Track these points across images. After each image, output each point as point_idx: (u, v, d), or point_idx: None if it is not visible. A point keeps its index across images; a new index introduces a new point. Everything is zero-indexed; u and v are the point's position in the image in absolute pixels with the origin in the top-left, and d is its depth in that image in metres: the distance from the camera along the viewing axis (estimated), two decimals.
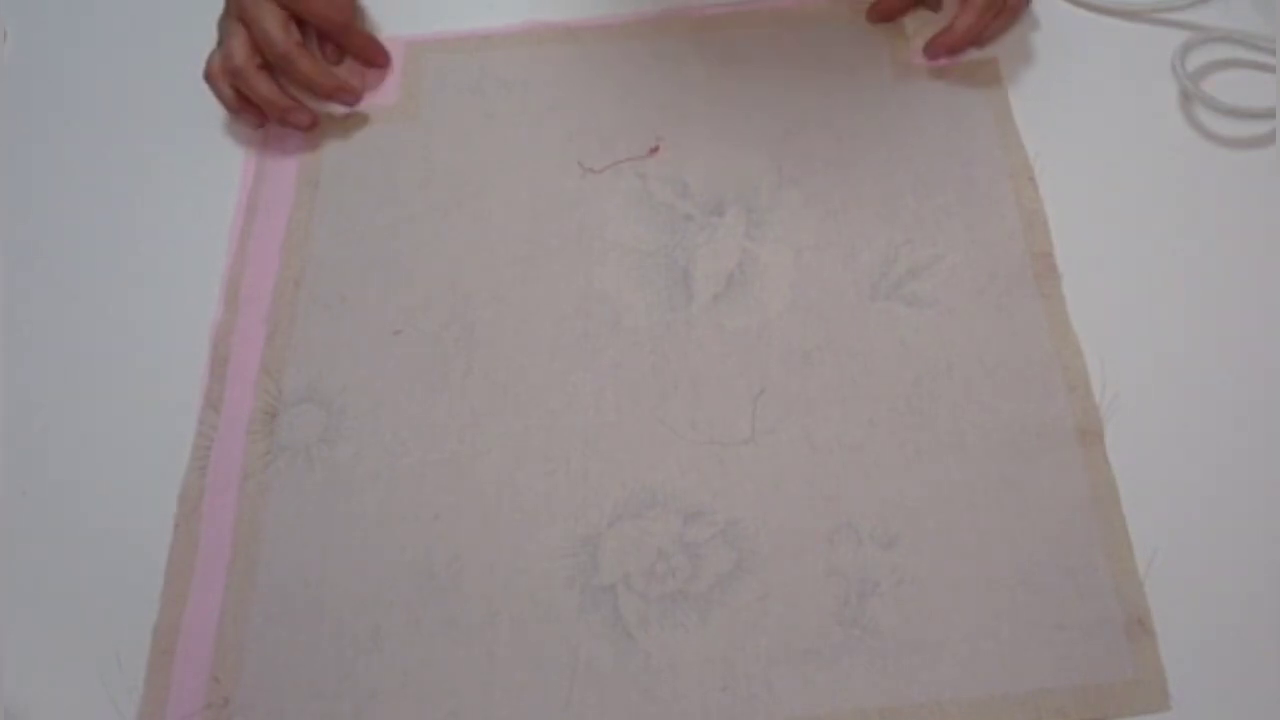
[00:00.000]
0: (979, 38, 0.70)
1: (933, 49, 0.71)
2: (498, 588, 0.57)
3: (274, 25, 0.70)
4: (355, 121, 0.74)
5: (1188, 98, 0.66)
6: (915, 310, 0.63)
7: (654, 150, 0.70)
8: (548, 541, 0.58)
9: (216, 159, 0.73)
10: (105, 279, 0.70)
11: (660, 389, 0.62)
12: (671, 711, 0.54)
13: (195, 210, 0.71)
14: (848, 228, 0.66)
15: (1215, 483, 0.57)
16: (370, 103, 0.74)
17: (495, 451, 0.61)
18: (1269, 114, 0.65)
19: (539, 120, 0.73)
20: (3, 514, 0.63)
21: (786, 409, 0.61)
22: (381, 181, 0.71)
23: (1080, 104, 0.68)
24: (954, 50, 0.71)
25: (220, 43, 0.71)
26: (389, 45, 0.77)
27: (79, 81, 0.79)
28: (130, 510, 0.62)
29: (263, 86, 0.71)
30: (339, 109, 0.74)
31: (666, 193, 0.68)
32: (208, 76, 0.71)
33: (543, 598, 0.57)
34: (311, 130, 0.73)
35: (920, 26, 0.73)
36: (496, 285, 0.66)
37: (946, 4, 0.73)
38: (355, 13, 0.75)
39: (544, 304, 0.65)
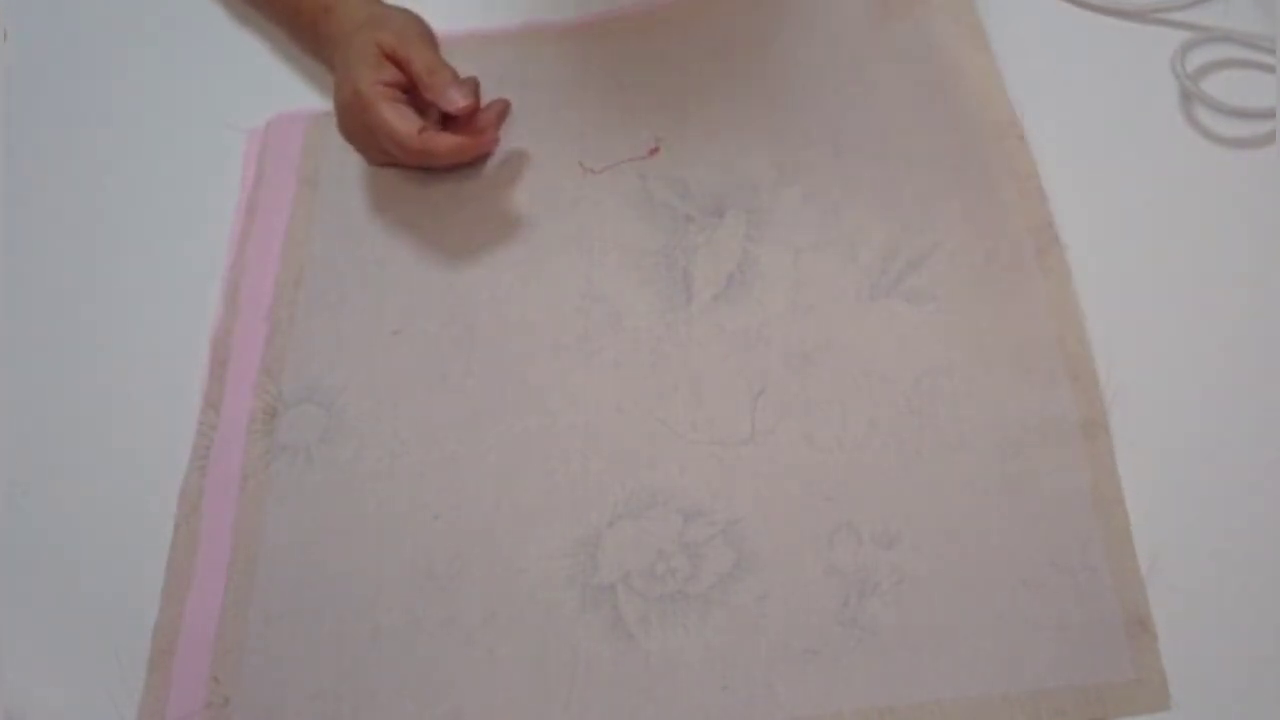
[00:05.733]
0: None
1: None
2: (498, 587, 0.57)
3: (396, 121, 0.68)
4: None
5: (1188, 98, 0.66)
6: (915, 307, 0.62)
7: (653, 151, 0.70)
8: (548, 541, 0.58)
9: (216, 160, 0.73)
10: (105, 279, 0.70)
11: (660, 389, 0.62)
12: (671, 711, 0.53)
13: (195, 211, 0.72)
14: (846, 223, 0.65)
15: (1221, 480, 0.56)
16: None
17: (495, 451, 0.61)
18: (1269, 114, 0.65)
19: (539, 121, 0.72)
20: (2, 514, 0.63)
21: (786, 409, 0.60)
22: (381, 182, 0.71)
23: (1080, 104, 0.67)
24: None
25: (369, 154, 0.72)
26: None
27: (79, 81, 0.79)
28: (130, 510, 0.62)
29: (441, 146, 0.68)
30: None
31: (667, 193, 0.68)
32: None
33: (543, 597, 0.57)
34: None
35: None
36: (496, 285, 0.66)
37: None
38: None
39: (544, 304, 0.65)
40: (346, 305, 0.67)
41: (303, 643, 0.57)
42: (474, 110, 0.69)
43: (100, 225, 0.72)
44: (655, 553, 0.57)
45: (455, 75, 0.68)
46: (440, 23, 0.72)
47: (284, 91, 0.75)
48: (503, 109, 0.71)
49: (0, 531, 0.62)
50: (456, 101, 0.67)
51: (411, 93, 0.69)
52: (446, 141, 0.68)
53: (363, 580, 0.58)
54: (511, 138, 0.72)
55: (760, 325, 0.63)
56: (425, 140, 0.67)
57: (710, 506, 0.58)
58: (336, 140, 0.72)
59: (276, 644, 0.58)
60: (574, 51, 0.75)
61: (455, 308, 0.66)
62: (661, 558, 0.57)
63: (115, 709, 0.57)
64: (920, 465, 0.58)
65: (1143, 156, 0.66)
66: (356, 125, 0.69)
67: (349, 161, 0.72)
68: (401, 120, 0.67)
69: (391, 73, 0.68)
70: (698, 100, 0.72)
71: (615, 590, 0.56)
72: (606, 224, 0.68)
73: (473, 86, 0.70)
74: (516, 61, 0.75)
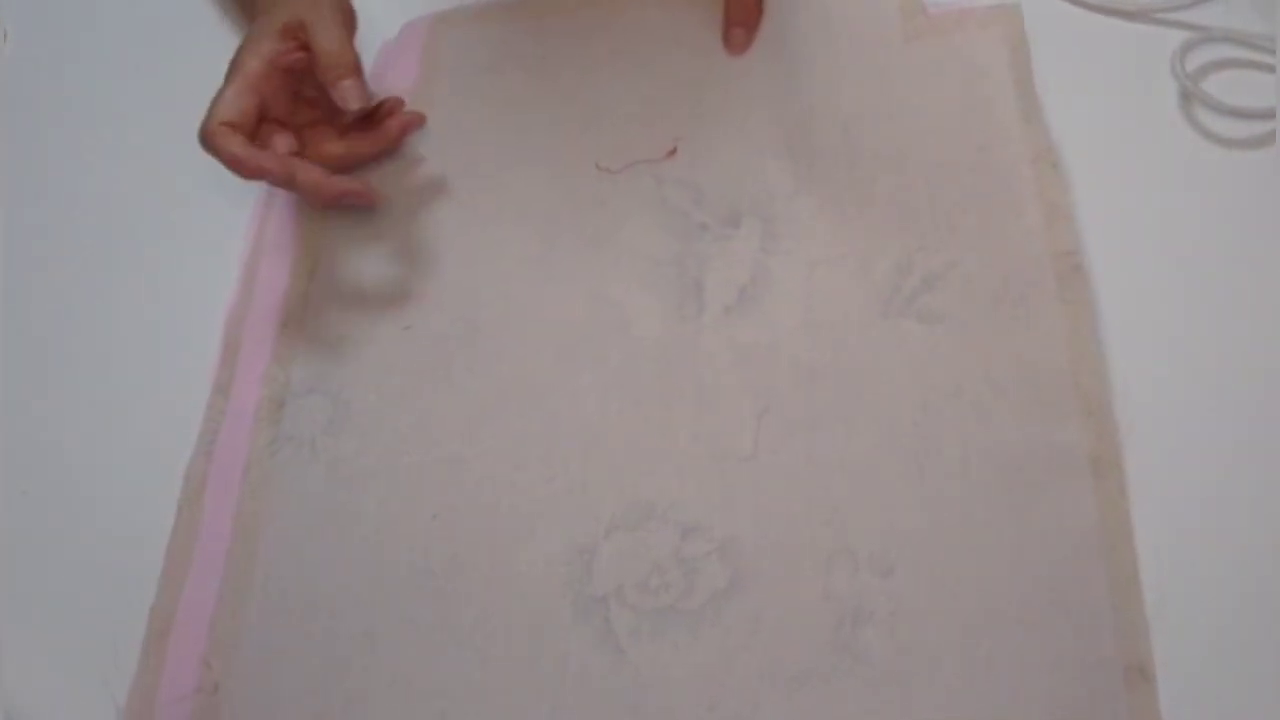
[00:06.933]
0: None
1: None
2: (492, 591, 0.57)
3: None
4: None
5: (1188, 98, 0.66)
6: (927, 327, 0.60)
7: (671, 153, 0.69)
8: (544, 548, 0.58)
9: None
10: (114, 269, 0.71)
11: (664, 400, 0.61)
12: None
13: (210, 200, 0.71)
14: (861, 236, 0.63)
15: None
16: (390, 86, 0.73)
17: (496, 454, 0.61)
18: (1269, 114, 0.64)
19: (556, 107, 0.71)
20: (7, 497, 0.64)
21: (791, 428, 0.59)
22: (398, 172, 0.71)
23: (1079, 104, 0.67)
24: None
25: None
26: (411, 27, 0.76)
27: (80, 80, 0.79)
28: (135, 494, 0.63)
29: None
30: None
31: (683, 199, 0.67)
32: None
33: (536, 604, 0.57)
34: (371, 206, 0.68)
35: None
36: (507, 285, 0.66)
37: None
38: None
39: (553, 307, 0.65)
40: (360, 296, 0.67)
41: (296, 634, 0.58)
42: (367, 115, 0.67)
43: (110, 216, 0.73)
44: (650, 566, 0.57)
45: (358, 67, 0.66)
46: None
47: None
48: (357, 192, 0.68)
49: (4, 513, 0.63)
50: (348, 97, 0.65)
51: (306, 76, 0.67)
52: (225, 143, 0.63)
53: (359, 576, 0.59)
54: (529, 126, 0.71)
55: (770, 340, 0.61)
56: (213, 130, 0.63)
57: (708, 522, 0.57)
58: None
59: (270, 634, 0.58)
60: (592, 20, 0.74)
61: (465, 306, 0.66)
62: (656, 571, 0.56)
63: (109, 692, 0.57)
64: (923, 492, 0.56)
65: (1142, 157, 0.65)
66: None
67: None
68: (227, 101, 0.64)
69: (282, 47, 0.65)
70: (717, 96, 0.70)
71: (608, 602, 0.56)
72: (621, 229, 0.67)
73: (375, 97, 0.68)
74: (535, 34, 0.74)
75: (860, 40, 0.69)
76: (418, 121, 0.71)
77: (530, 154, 0.70)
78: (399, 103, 0.71)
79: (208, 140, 0.63)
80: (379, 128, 0.70)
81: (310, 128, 0.69)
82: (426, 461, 0.61)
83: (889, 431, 0.58)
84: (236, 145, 0.63)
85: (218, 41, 0.78)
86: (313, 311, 0.67)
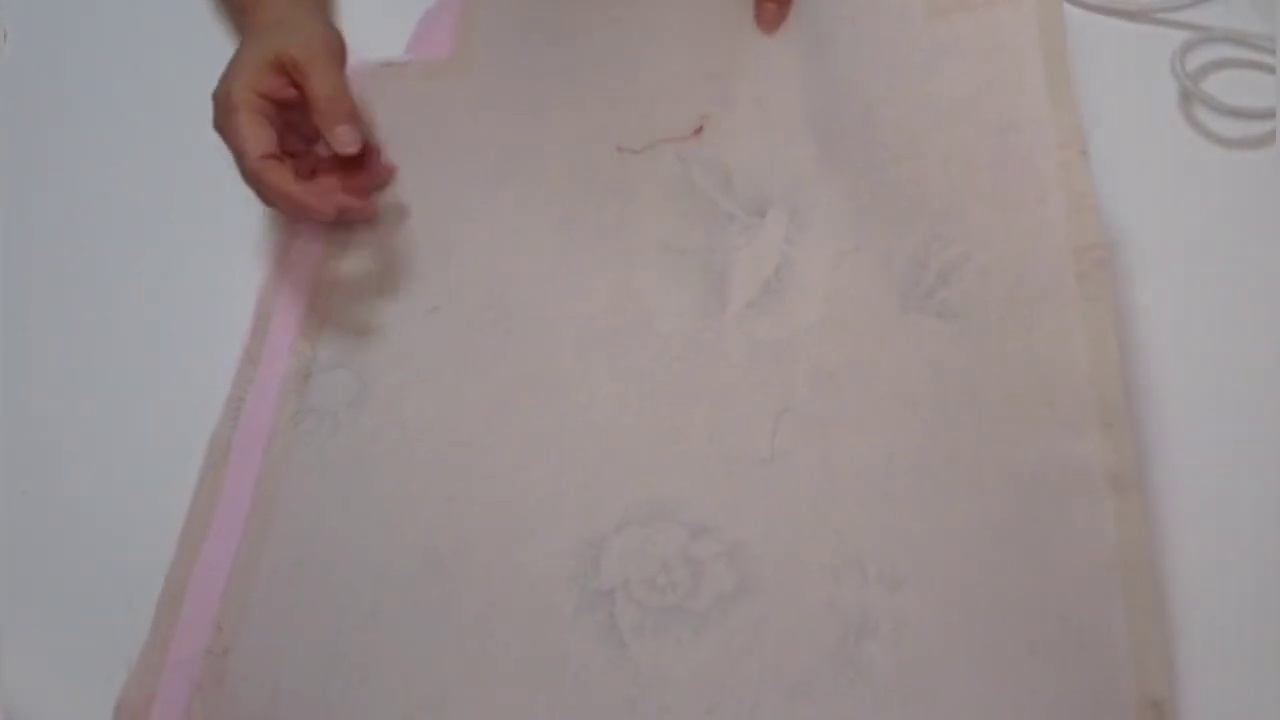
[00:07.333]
0: None
1: None
2: (499, 578, 0.57)
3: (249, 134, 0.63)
4: (407, 76, 0.72)
5: (1188, 98, 0.66)
6: (945, 324, 0.56)
7: (698, 131, 0.68)
8: (553, 539, 0.58)
9: None
10: (132, 262, 0.71)
11: (683, 398, 0.60)
12: None
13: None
14: (880, 226, 0.61)
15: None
16: (422, 57, 0.73)
17: (512, 442, 0.61)
18: (1269, 114, 0.64)
19: (582, 82, 0.71)
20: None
21: (807, 431, 0.58)
22: (429, 146, 0.71)
23: (1079, 104, 0.67)
24: None
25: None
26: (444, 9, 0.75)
27: (80, 80, 0.79)
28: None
29: (270, 180, 0.63)
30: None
31: (709, 184, 0.66)
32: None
33: (542, 595, 0.57)
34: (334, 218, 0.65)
35: None
36: (534, 273, 0.66)
37: None
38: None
39: (578, 298, 0.65)
40: (388, 275, 0.67)
41: (306, 607, 0.58)
42: (362, 156, 0.66)
43: (122, 210, 0.73)
44: (658, 564, 0.56)
45: (354, 110, 0.65)
46: None
47: None
48: (360, 211, 0.67)
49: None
50: (344, 141, 0.64)
51: (291, 112, 0.65)
52: (277, 178, 0.62)
53: (370, 554, 0.59)
54: (556, 103, 0.71)
55: (790, 338, 0.60)
56: (259, 166, 0.62)
57: (718, 524, 0.57)
58: (389, 98, 0.71)
59: (280, 604, 0.58)
60: None
61: (491, 293, 0.66)
62: (664, 570, 0.56)
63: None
64: (936, 504, 0.54)
65: (1142, 156, 0.65)
66: (218, 123, 0.64)
67: (399, 122, 0.71)
68: (254, 135, 0.62)
69: (274, 83, 0.64)
70: (745, 74, 0.69)
71: (614, 596, 0.56)
72: (646, 217, 0.66)
73: (367, 134, 0.67)
74: (553, 8, 0.73)
75: (881, 16, 0.65)
76: (388, 176, 0.69)
77: (557, 133, 0.70)
78: (376, 148, 0.70)
79: (258, 176, 0.62)
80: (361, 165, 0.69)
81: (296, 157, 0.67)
82: (442, 446, 0.61)
83: (904, 438, 0.56)
84: (285, 180, 0.63)
85: (217, 41, 0.78)
86: (342, 289, 0.67)
